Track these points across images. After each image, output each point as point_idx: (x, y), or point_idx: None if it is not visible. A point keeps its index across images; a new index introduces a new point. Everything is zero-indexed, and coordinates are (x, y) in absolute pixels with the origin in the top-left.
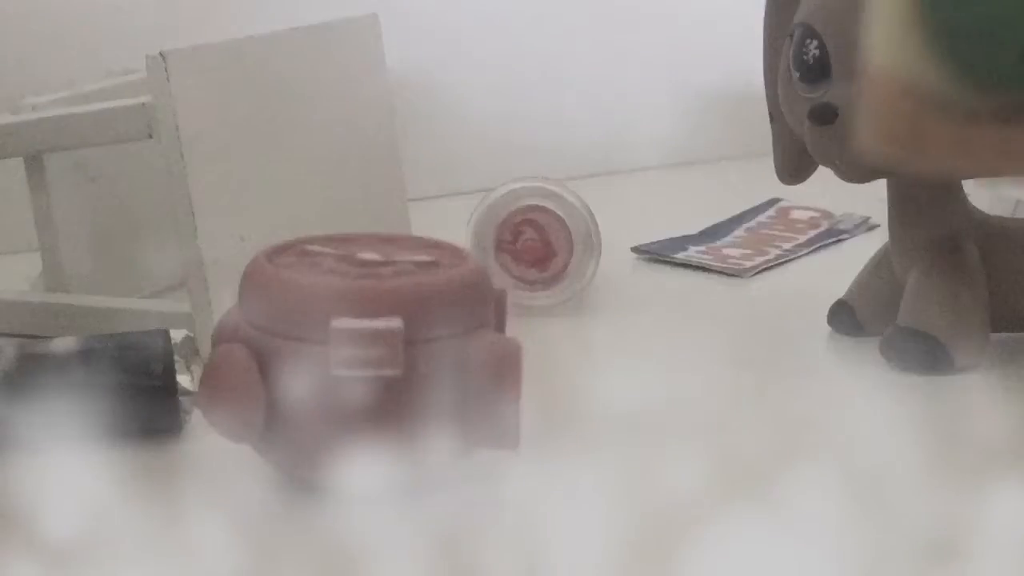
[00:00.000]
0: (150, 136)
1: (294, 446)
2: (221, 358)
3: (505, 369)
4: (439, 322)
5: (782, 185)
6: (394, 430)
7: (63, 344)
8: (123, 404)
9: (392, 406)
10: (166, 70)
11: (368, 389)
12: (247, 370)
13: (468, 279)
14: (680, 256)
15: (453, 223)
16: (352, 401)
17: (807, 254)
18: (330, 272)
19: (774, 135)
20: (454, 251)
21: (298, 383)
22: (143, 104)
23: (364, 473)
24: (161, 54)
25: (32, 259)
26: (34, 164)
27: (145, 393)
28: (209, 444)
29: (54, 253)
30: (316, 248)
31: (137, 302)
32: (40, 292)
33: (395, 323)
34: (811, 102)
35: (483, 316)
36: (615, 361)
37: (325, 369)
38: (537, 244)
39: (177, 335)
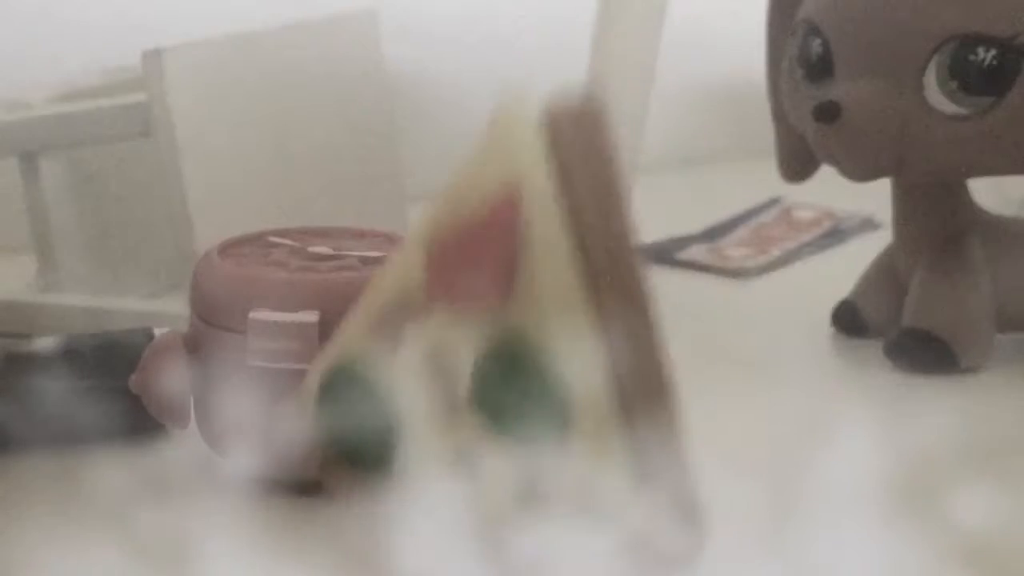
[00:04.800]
0: (146, 134)
1: (225, 435)
2: (155, 344)
3: None
4: None
5: (784, 184)
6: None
7: (45, 344)
8: (106, 404)
9: None
10: (162, 67)
11: (287, 382)
12: (174, 356)
13: None
14: (681, 256)
15: None
16: (271, 393)
17: (810, 254)
18: (271, 264)
19: (777, 133)
20: None
21: (223, 372)
22: (139, 102)
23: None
24: (157, 51)
25: (27, 259)
26: (29, 163)
27: (128, 393)
28: (194, 446)
29: (49, 253)
30: (277, 240)
31: (133, 302)
32: (35, 292)
33: (310, 317)
34: (815, 100)
35: None
36: None
37: (246, 359)
38: None
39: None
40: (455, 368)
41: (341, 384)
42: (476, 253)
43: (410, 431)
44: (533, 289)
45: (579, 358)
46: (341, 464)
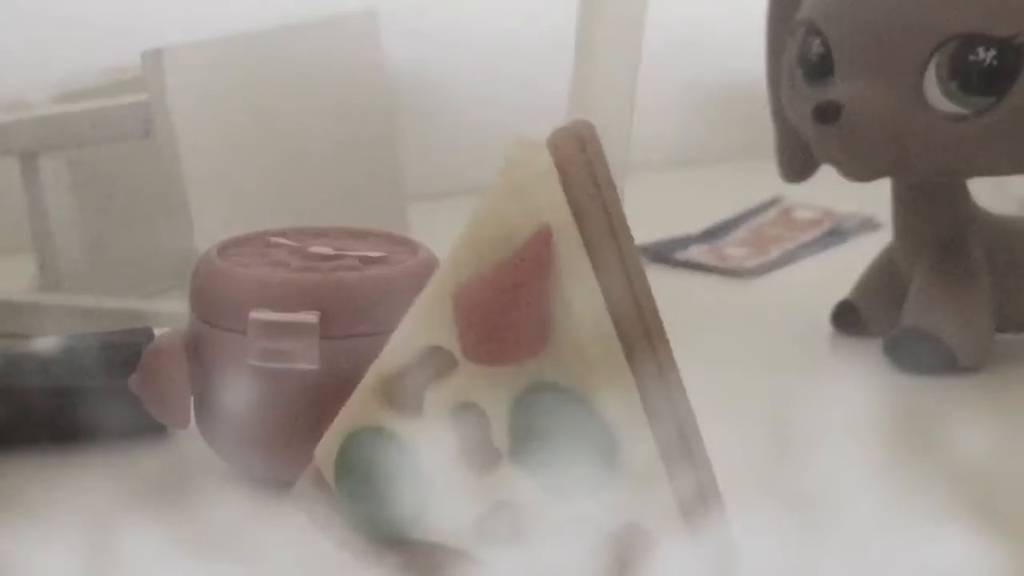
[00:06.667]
0: (146, 134)
1: (225, 435)
2: (155, 344)
3: None
4: (361, 319)
5: (784, 184)
6: (314, 425)
7: (44, 344)
8: (106, 404)
9: (311, 401)
10: (162, 67)
11: (287, 382)
12: (174, 355)
13: (398, 277)
14: (681, 256)
15: (455, 222)
16: (271, 393)
17: (810, 254)
18: (271, 264)
19: (777, 133)
20: (412, 249)
21: (223, 372)
22: (139, 102)
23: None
24: (157, 51)
25: (27, 259)
26: (29, 163)
27: (128, 393)
28: (195, 445)
29: (49, 253)
30: (277, 240)
31: (134, 302)
32: (35, 292)
33: (310, 317)
34: (815, 100)
35: None
36: None
37: (246, 359)
38: None
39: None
40: (489, 420)
41: (362, 453)
42: (509, 304)
43: (438, 492)
44: (568, 335)
45: (621, 398)
46: (365, 531)
